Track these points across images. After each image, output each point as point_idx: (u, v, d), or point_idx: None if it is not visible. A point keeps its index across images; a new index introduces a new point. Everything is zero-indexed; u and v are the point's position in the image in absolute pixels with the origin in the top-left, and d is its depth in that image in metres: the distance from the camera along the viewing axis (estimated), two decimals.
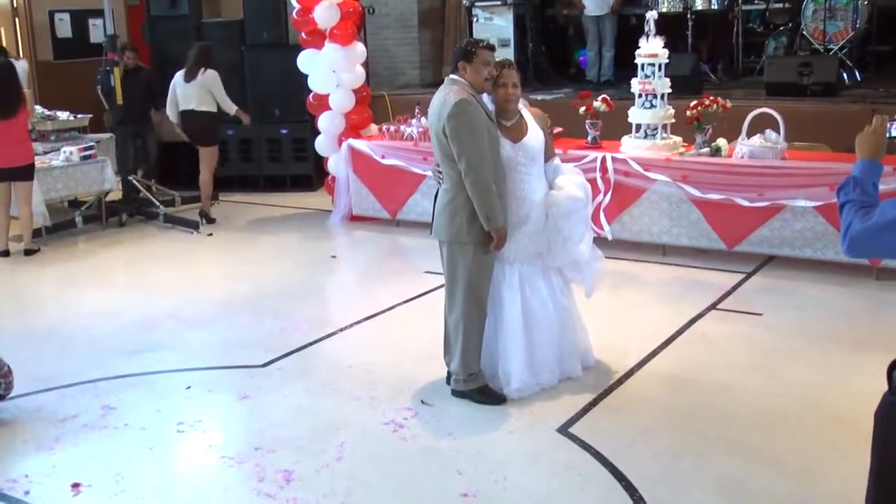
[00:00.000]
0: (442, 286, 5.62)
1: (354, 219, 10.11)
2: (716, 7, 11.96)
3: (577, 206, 5.42)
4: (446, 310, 5.45)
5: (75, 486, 4.62)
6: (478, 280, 5.29)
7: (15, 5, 14.02)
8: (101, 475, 4.72)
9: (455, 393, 5.47)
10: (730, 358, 6.00)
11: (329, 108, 10.08)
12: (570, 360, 5.62)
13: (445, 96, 5.15)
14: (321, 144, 10.31)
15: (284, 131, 11.92)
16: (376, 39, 13.14)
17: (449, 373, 5.55)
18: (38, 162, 9.71)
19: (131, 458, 4.90)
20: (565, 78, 13.29)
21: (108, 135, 11.25)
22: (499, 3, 12.25)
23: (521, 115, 5.41)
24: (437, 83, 12.40)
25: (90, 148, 10.08)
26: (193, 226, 10.05)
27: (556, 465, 4.68)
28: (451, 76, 5.26)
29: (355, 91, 10.12)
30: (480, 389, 5.41)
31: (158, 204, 10.59)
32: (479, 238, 5.18)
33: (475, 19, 12.38)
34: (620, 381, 5.66)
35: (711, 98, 8.27)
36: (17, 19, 14.10)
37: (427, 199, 9.14)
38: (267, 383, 5.84)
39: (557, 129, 8.21)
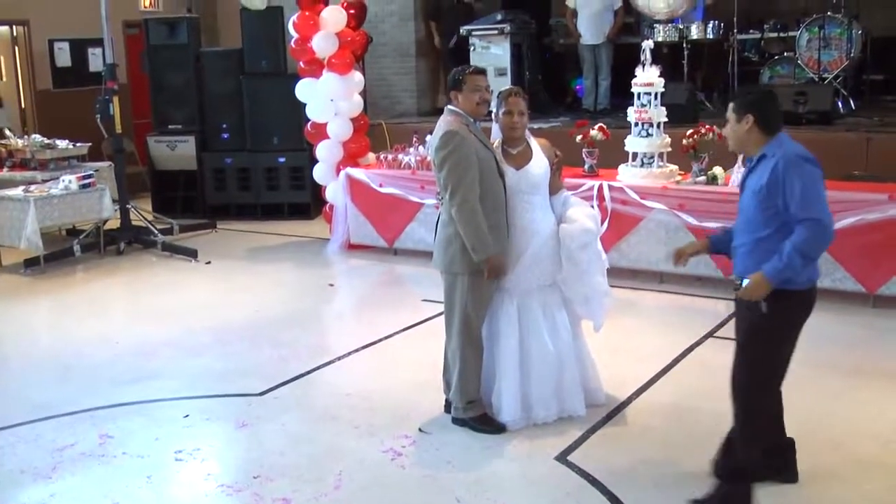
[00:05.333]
0: (439, 314, 5.63)
1: (352, 247, 10.11)
2: (711, 36, 12.04)
3: (591, 239, 5.42)
4: (446, 339, 5.45)
5: None
6: (472, 310, 5.26)
7: (14, 34, 14.07)
8: None
9: (455, 421, 5.46)
10: (728, 386, 5.98)
11: (327, 137, 10.13)
12: (572, 398, 5.48)
13: (438, 128, 5.20)
14: (319, 173, 10.35)
15: (282, 160, 11.95)
16: (374, 68, 13.21)
17: (448, 401, 5.55)
18: (37, 190, 9.76)
19: (129, 487, 4.89)
20: (562, 106, 13.36)
21: (107, 163, 11.28)
22: (496, 32, 12.32)
23: (528, 144, 5.42)
24: (434, 112, 12.51)
25: (89, 176, 10.10)
26: (192, 254, 10.05)
27: (554, 493, 4.68)
28: (448, 106, 5.31)
29: (353, 120, 10.17)
30: (479, 418, 5.39)
31: (156, 232, 10.60)
32: (472, 268, 5.17)
33: (472, 48, 12.45)
34: (619, 409, 5.66)
35: (707, 127, 8.30)
36: (16, 48, 14.15)
37: (424, 227, 9.19)
38: (265, 411, 5.84)
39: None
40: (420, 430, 5.43)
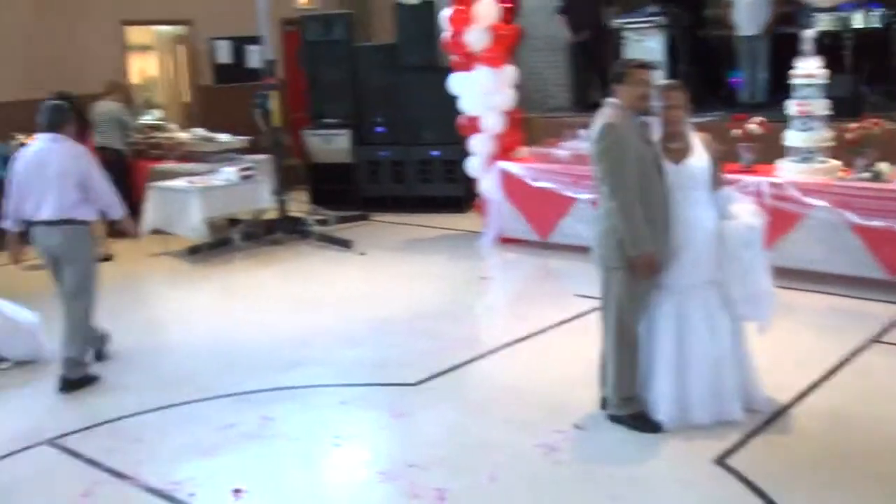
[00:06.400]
0: (593, 310, 5.59)
1: (505, 241, 10.14)
2: (877, 25, 11.54)
3: (755, 236, 5.25)
4: (603, 334, 5.40)
5: (237, 491, 4.79)
6: (627, 306, 5.19)
7: (180, 34, 14.67)
8: (260, 483, 4.89)
9: (611, 418, 5.40)
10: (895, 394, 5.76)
11: (480, 130, 10.17)
12: (730, 401, 5.31)
13: (597, 120, 5.16)
14: (473, 166, 10.40)
15: (436, 153, 12.08)
16: (527, 62, 13.17)
17: (604, 398, 5.50)
18: (200, 181, 10.15)
19: (288, 468, 5.06)
20: (717, 100, 13.06)
21: (265, 156, 11.62)
22: (649, 24, 12.13)
23: (688, 138, 5.31)
24: (587, 107, 12.33)
25: (249, 168, 10.44)
26: (346, 245, 10.26)
27: (710, 497, 4.59)
28: (609, 99, 5.26)
29: (507, 113, 10.18)
30: (635, 415, 5.30)
31: (312, 223, 10.86)
32: (628, 263, 5.10)
33: (626, 42, 12.30)
34: (779, 414, 5.47)
35: (872, 120, 7.99)
36: (181, 47, 14.75)
37: (579, 222, 9.11)
38: (419, 401, 5.92)
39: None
40: (575, 426, 5.40)
